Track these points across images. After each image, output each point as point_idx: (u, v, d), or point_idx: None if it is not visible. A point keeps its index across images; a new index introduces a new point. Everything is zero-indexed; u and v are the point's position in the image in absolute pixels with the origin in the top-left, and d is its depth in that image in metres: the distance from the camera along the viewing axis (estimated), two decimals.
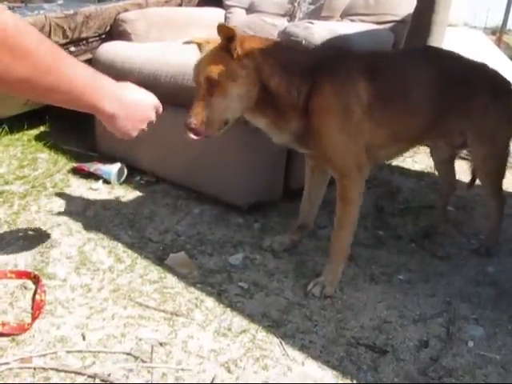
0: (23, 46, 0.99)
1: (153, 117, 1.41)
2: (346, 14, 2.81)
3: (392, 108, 1.82)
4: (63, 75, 1.09)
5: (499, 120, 2.00)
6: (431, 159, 2.41)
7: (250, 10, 3.19)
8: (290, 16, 2.97)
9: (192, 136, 1.65)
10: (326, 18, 2.78)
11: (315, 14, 2.84)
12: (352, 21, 2.75)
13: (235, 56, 1.62)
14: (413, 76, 1.88)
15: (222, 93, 1.63)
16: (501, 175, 2.12)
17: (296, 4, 2.96)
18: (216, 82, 1.61)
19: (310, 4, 2.92)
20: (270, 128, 1.78)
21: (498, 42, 10.38)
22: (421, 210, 2.45)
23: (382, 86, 1.78)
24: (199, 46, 1.79)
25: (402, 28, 2.75)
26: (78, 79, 1.13)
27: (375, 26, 2.66)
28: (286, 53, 1.76)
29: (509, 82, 2.08)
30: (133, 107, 1.31)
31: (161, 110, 1.45)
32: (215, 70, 1.61)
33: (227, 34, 1.59)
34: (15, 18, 1.00)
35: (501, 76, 2.08)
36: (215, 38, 1.67)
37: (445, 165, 2.30)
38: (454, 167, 2.32)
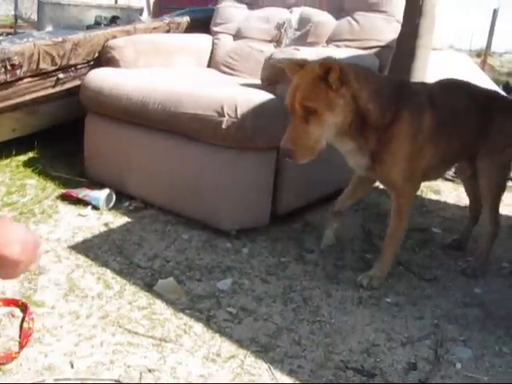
0: None
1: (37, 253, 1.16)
2: (332, 40, 2.86)
3: (444, 134, 2.00)
4: None
5: (508, 136, 2.17)
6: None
7: (237, 36, 3.23)
8: (277, 42, 3.02)
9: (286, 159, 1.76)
10: (312, 44, 2.83)
11: (301, 40, 2.88)
12: (337, 46, 2.80)
13: (334, 87, 1.69)
14: (456, 106, 2.07)
15: (319, 121, 1.71)
16: (500, 189, 2.22)
17: (282, 30, 3.00)
18: (313, 111, 1.69)
19: (296, 30, 2.97)
20: (354, 152, 1.91)
21: (483, 65, 10.54)
22: (408, 233, 2.46)
23: (439, 115, 1.97)
24: (290, 69, 1.82)
25: (386, 53, 2.81)
26: None
27: (360, 52, 2.71)
28: (377, 81, 1.89)
29: None
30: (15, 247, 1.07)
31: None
32: (313, 99, 1.69)
33: (328, 66, 1.67)
34: None
35: (508, 98, 2.37)
36: (305, 62, 1.78)
37: (470, 182, 2.40)
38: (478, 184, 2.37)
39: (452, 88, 2.17)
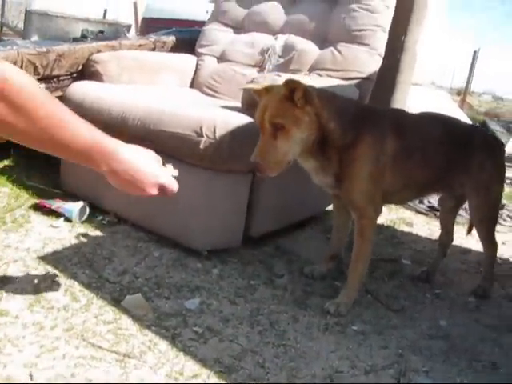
0: (24, 104, 1.03)
1: (148, 192, 1.36)
2: (314, 69, 2.91)
3: (408, 162, 2.09)
4: (63, 135, 1.13)
5: (492, 175, 2.29)
6: (390, 213, 2.48)
7: (222, 58, 3.27)
8: (260, 67, 3.06)
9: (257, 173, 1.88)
10: (295, 72, 2.87)
11: (284, 67, 2.93)
12: (319, 75, 2.84)
13: (299, 105, 1.81)
14: (426, 137, 2.16)
15: (286, 137, 1.81)
16: (493, 222, 2.37)
17: (266, 56, 3.04)
18: (281, 127, 1.80)
19: (280, 57, 3.01)
20: (316, 170, 2.01)
21: (462, 103, 10.75)
22: (378, 263, 2.49)
23: (403, 143, 2.05)
24: (257, 92, 1.95)
25: (367, 84, 2.86)
26: (79, 141, 1.16)
27: (341, 82, 2.75)
28: (339, 102, 2.00)
29: (501, 143, 2.50)
30: (127, 176, 1.29)
31: (170, 189, 1.40)
32: (280, 116, 1.80)
33: (292, 86, 1.78)
34: (20, 75, 1.04)
35: (494, 138, 2.49)
36: (272, 86, 1.91)
37: (447, 215, 2.51)
38: (454, 219, 2.53)
39: (429, 119, 2.27)
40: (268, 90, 1.90)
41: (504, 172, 2.38)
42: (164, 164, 1.45)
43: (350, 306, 2.05)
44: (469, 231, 2.59)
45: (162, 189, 1.39)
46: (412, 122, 2.19)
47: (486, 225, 2.35)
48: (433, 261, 2.51)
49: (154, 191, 1.37)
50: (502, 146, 2.47)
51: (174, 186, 1.40)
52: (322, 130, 1.89)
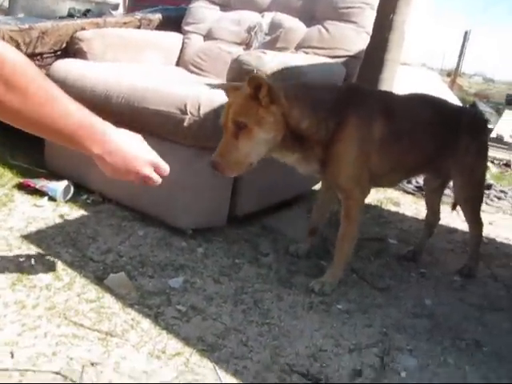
0: (16, 81, 1.03)
1: (143, 172, 1.36)
2: (301, 47, 2.88)
3: (397, 145, 2.06)
4: (54, 114, 1.13)
5: (477, 156, 2.30)
6: (377, 193, 2.48)
7: (208, 36, 3.23)
8: (246, 45, 3.02)
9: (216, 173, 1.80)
10: (281, 49, 2.84)
11: (271, 45, 2.89)
12: (306, 53, 2.82)
13: (263, 104, 1.75)
14: (415, 119, 2.14)
15: (248, 136, 1.76)
16: (478, 202, 2.39)
17: (253, 34, 3.01)
18: (243, 126, 1.75)
19: (267, 35, 2.98)
20: (299, 162, 1.97)
21: (452, 84, 10.74)
22: (364, 242, 2.48)
23: (392, 126, 2.02)
24: (227, 91, 1.95)
25: (354, 63, 2.84)
26: (68, 120, 1.16)
27: (328, 60, 2.73)
28: (313, 95, 1.94)
29: (485, 122, 2.49)
30: (118, 156, 1.29)
31: (163, 168, 1.42)
32: (243, 115, 1.75)
33: (256, 83, 1.72)
34: (14, 52, 1.05)
35: (480, 118, 2.47)
36: (240, 85, 1.86)
37: (433, 195, 2.52)
38: (440, 199, 2.53)
39: (417, 101, 2.24)
40: (237, 88, 1.87)
41: (487, 152, 2.39)
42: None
43: (335, 286, 2.05)
44: (453, 208, 2.60)
45: (156, 167, 1.39)
46: (400, 103, 2.16)
47: (470, 204, 2.37)
48: (419, 240, 2.52)
49: (148, 170, 1.37)
50: (486, 126, 2.47)
51: (165, 168, 1.42)
52: (294, 129, 1.84)
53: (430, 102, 2.27)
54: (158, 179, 1.42)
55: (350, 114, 1.94)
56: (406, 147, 2.10)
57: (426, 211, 2.56)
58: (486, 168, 2.43)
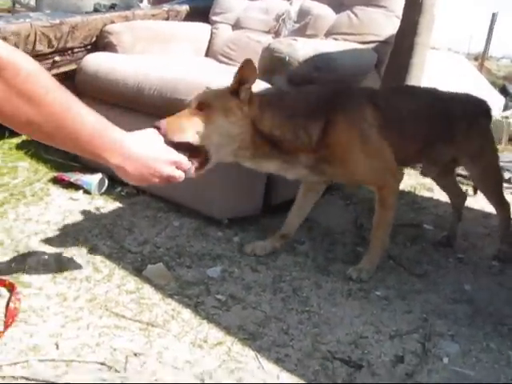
0: (31, 92, 1.04)
1: (166, 172, 1.37)
2: (330, 33, 2.85)
3: (395, 132, 2.00)
4: (68, 124, 1.13)
5: (481, 139, 2.26)
6: (410, 179, 2.46)
7: (236, 26, 3.22)
8: (275, 33, 3.01)
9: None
10: (311, 37, 2.82)
11: (300, 33, 2.87)
12: (336, 40, 2.79)
13: (241, 98, 1.72)
14: (405, 108, 2.09)
15: (207, 118, 1.68)
16: (497, 184, 2.37)
17: (281, 22, 2.99)
18: (206, 107, 1.69)
19: (296, 22, 2.96)
20: (282, 168, 1.91)
21: (480, 68, 10.56)
22: (399, 228, 2.46)
23: (384, 113, 1.96)
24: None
25: (384, 48, 2.80)
26: (83, 130, 1.16)
27: (359, 46, 2.70)
28: (290, 102, 1.90)
29: (483, 102, 2.35)
30: (139, 162, 1.30)
31: (184, 163, 1.43)
32: (213, 97, 1.73)
33: (244, 75, 1.70)
34: (30, 62, 1.05)
35: (474, 98, 2.33)
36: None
37: (442, 180, 2.52)
38: (454, 181, 2.53)
39: (402, 92, 2.31)
40: None
41: (490, 134, 2.35)
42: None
43: (373, 272, 2.03)
44: (475, 192, 2.66)
45: (178, 165, 1.39)
46: (387, 94, 2.18)
47: (490, 188, 2.36)
48: (450, 225, 2.49)
49: (169, 169, 1.38)
50: (485, 110, 2.35)
51: (186, 163, 1.43)
52: (267, 136, 1.79)
53: (416, 93, 2.29)
54: (180, 175, 1.42)
55: (336, 114, 1.88)
56: (402, 136, 2.05)
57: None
58: (495, 150, 2.37)
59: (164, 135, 1.53)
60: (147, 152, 1.32)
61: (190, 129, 1.66)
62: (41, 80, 1.06)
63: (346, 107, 1.92)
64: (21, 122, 1.08)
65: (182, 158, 1.42)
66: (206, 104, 1.70)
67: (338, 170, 1.92)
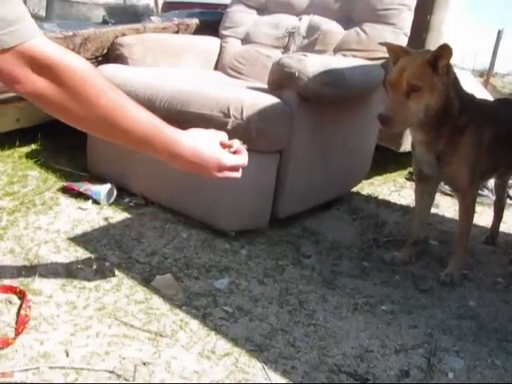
0: (87, 94, 1.08)
1: (215, 175, 1.38)
2: (339, 49, 2.87)
3: (497, 147, 2.18)
4: (121, 124, 1.16)
5: None
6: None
7: (246, 40, 3.25)
8: (284, 48, 3.04)
9: (381, 126, 1.94)
10: (320, 52, 2.85)
11: (309, 48, 2.90)
12: (344, 55, 2.82)
13: (440, 72, 1.91)
14: (506, 122, 2.27)
15: (419, 99, 1.91)
16: None
17: (290, 37, 3.02)
18: (417, 89, 1.90)
19: (305, 38, 2.99)
20: (423, 145, 2.12)
21: (485, 84, 10.59)
22: (405, 243, 2.47)
23: (495, 131, 2.16)
24: (393, 50, 2.06)
25: None
26: (135, 130, 1.19)
27: (367, 62, 2.72)
28: (459, 85, 2.08)
29: None
30: (187, 163, 1.32)
31: (233, 175, 1.43)
32: (420, 79, 1.90)
33: (444, 53, 1.88)
34: (84, 64, 1.09)
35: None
36: (409, 49, 2.04)
37: (502, 180, 2.72)
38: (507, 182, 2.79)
39: (507, 105, 2.45)
40: (406, 51, 2.01)
41: None
42: (229, 140, 1.45)
43: (461, 273, 2.23)
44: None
45: (229, 170, 1.40)
46: (498, 111, 2.31)
47: None
48: (492, 225, 2.76)
49: (220, 174, 1.38)
50: None
51: (241, 162, 1.42)
52: (447, 103, 1.98)
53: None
54: (237, 175, 1.42)
55: (473, 120, 2.08)
56: (502, 149, 2.25)
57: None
58: None
59: (386, 125, 1.90)
60: (200, 151, 1.32)
61: (408, 118, 1.93)
62: (95, 82, 1.09)
63: (478, 117, 2.10)
64: (74, 120, 1.13)
65: (232, 164, 1.40)
66: (416, 87, 1.89)
67: (450, 168, 2.12)
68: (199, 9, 3.83)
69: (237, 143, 1.45)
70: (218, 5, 4.76)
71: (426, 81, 1.90)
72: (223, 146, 1.41)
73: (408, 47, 2.11)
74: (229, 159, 1.38)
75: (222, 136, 1.43)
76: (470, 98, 2.16)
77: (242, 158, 1.41)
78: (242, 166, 1.43)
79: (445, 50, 1.87)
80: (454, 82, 2.01)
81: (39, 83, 1.05)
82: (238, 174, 1.42)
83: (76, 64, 1.07)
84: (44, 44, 1.07)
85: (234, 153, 1.41)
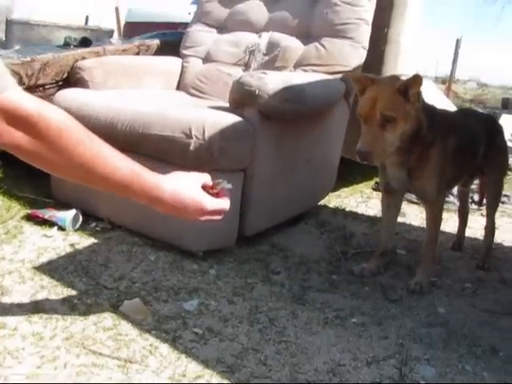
0: (63, 145, 1.07)
1: (196, 218, 1.36)
2: (299, 65, 2.90)
3: (460, 156, 2.24)
4: (99, 171, 1.15)
5: (503, 153, 2.59)
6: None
7: (207, 59, 3.26)
8: (245, 66, 3.05)
9: (360, 160, 1.93)
10: (280, 68, 2.88)
11: (269, 65, 2.93)
12: (305, 71, 2.84)
13: (411, 100, 1.92)
14: (466, 130, 2.33)
15: (395, 129, 1.92)
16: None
17: (251, 54, 3.04)
18: (392, 119, 1.91)
19: (265, 55, 3.01)
20: (395, 165, 2.13)
21: (447, 91, 10.78)
22: (373, 254, 2.49)
23: (458, 141, 2.20)
24: (360, 81, 2.04)
25: None
26: (114, 177, 1.18)
27: (327, 76, 2.75)
28: (426, 109, 2.08)
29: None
30: (168, 206, 1.31)
31: (214, 218, 1.39)
32: (393, 109, 1.90)
33: (414, 82, 1.89)
34: (60, 115, 1.08)
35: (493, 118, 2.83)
36: (375, 77, 2.06)
37: (466, 187, 2.77)
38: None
39: (467, 116, 2.53)
40: (372, 80, 2.01)
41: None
42: (215, 180, 1.42)
43: (429, 281, 2.26)
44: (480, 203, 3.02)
45: (210, 214, 1.38)
46: (460, 121, 2.37)
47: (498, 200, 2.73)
48: (458, 231, 2.82)
49: (202, 218, 1.36)
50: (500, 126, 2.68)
51: (222, 206, 1.38)
52: (418, 125, 2.00)
53: (471, 115, 2.63)
54: (218, 218, 1.41)
55: (440, 132, 2.12)
56: (462, 157, 2.30)
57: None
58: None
59: (365, 159, 1.90)
60: (181, 196, 1.31)
61: (388, 150, 1.96)
62: (71, 131, 1.09)
63: (444, 128, 2.14)
64: (54, 169, 1.13)
65: (214, 209, 1.37)
66: (390, 118, 1.90)
67: (420, 181, 2.16)
68: (160, 29, 3.85)
69: (221, 184, 1.43)
70: (178, 24, 4.78)
71: (399, 110, 1.91)
72: (206, 187, 1.39)
73: (373, 75, 2.13)
74: (209, 203, 1.36)
75: (205, 178, 1.41)
76: (434, 112, 2.18)
77: (224, 202, 1.39)
78: (224, 210, 1.41)
79: (415, 80, 1.89)
80: (423, 104, 2.03)
81: (16, 135, 1.04)
82: (219, 217, 1.41)
83: (51, 115, 1.06)
84: (17, 95, 1.05)
85: (217, 194, 1.40)
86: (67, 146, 1.07)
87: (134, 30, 7.12)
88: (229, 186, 1.40)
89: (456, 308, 2.12)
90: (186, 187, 1.33)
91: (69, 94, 2.68)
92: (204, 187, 1.38)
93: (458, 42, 11.99)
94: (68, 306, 1.85)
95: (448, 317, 2.04)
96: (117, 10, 8.79)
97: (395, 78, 2.02)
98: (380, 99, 1.90)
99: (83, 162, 1.11)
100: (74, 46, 3.25)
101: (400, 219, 3.10)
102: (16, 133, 1.03)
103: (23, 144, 1.05)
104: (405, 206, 3.39)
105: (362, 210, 3.27)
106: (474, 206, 3.20)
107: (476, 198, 3.19)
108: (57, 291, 1.94)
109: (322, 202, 3.13)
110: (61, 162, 1.09)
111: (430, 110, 2.14)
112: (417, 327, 1.94)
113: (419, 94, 1.94)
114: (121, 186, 1.21)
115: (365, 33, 2.90)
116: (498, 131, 2.56)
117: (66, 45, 3.30)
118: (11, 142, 1.05)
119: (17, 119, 1.03)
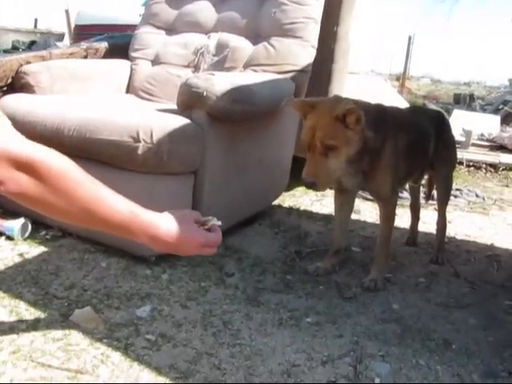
0: (64, 188, 1.09)
1: (192, 253, 1.37)
2: (249, 65, 2.90)
3: (411, 153, 2.26)
4: (99, 213, 1.15)
5: (452, 148, 2.66)
6: None
7: (155, 61, 3.22)
8: (195, 67, 3.03)
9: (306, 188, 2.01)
10: (230, 69, 2.86)
11: (219, 66, 2.91)
12: (254, 71, 2.84)
13: (351, 127, 1.90)
14: (416, 127, 2.37)
15: (338, 155, 1.92)
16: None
17: (200, 56, 3.02)
18: (334, 147, 1.90)
19: (214, 56, 2.99)
20: (350, 174, 2.11)
21: (401, 88, 10.95)
22: (327, 253, 2.50)
23: (408, 139, 2.23)
24: (300, 107, 2.05)
25: (303, 77, 2.87)
26: (113, 219, 1.18)
27: (277, 76, 2.75)
28: (372, 110, 2.09)
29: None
30: (164, 244, 1.29)
31: (208, 251, 1.38)
32: (333, 138, 1.90)
33: (350, 112, 1.87)
34: (60, 159, 1.09)
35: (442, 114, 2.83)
36: (315, 102, 2.00)
37: (417, 184, 2.82)
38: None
39: (415, 113, 2.58)
40: (312, 104, 1.99)
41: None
42: (204, 218, 1.42)
43: (384, 281, 2.27)
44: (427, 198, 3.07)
45: (203, 247, 1.38)
46: (408, 118, 2.37)
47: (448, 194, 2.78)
48: (411, 226, 2.85)
49: (196, 251, 1.37)
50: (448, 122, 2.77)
51: (215, 240, 1.38)
52: (364, 142, 1.99)
53: (420, 112, 2.71)
54: (213, 251, 1.41)
55: (389, 133, 2.14)
56: (414, 153, 2.32)
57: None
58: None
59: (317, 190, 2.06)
60: (177, 233, 1.29)
61: (334, 176, 2.00)
62: (72, 176, 1.10)
63: (393, 128, 2.16)
64: (56, 214, 1.13)
65: (209, 243, 1.36)
66: (332, 146, 1.90)
67: (374, 181, 2.18)
68: (111, 31, 3.79)
69: (212, 220, 1.43)
70: (128, 26, 4.73)
71: (339, 138, 1.91)
72: (198, 223, 1.40)
73: (313, 99, 2.08)
74: (202, 237, 1.37)
75: (195, 215, 1.42)
76: (384, 111, 2.20)
77: (216, 236, 1.41)
78: (216, 243, 1.42)
79: (351, 111, 1.88)
80: (366, 122, 1.98)
81: (22, 181, 1.05)
82: (213, 250, 1.42)
83: (51, 161, 1.07)
84: (17, 142, 1.05)
85: (209, 230, 1.40)
86: (68, 189, 1.09)
87: (84, 32, 7.02)
88: (218, 222, 1.42)
89: (410, 303, 2.14)
90: (180, 223, 1.33)
91: (14, 100, 2.61)
92: (196, 223, 1.39)
93: (410, 38, 12.20)
94: (16, 318, 1.80)
95: (402, 312, 2.06)
96: (67, 12, 8.63)
97: (336, 101, 1.99)
98: (319, 128, 1.89)
99: (84, 205, 1.13)
100: (23, 49, 3.17)
101: (354, 216, 3.13)
102: (22, 179, 1.04)
103: (29, 189, 1.06)
104: (359, 203, 3.42)
105: (316, 208, 3.28)
106: (431, 202, 3.24)
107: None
108: (4, 303, 1.88)
109: (276, 202, 3.13)
110: (63, 206, 1.11)
111: (379, 111, 2.15)
112: (371, 324, 1.95)
113: (359, 118, 1.91)
114: (120, 228, 1.22)
115: (313, 31, 2.91)
116: (446, 126, 2.61)
117: (14, 48, 3.23)
118: (19, 189, 1.05)
119: (22, 165, 1.03)
